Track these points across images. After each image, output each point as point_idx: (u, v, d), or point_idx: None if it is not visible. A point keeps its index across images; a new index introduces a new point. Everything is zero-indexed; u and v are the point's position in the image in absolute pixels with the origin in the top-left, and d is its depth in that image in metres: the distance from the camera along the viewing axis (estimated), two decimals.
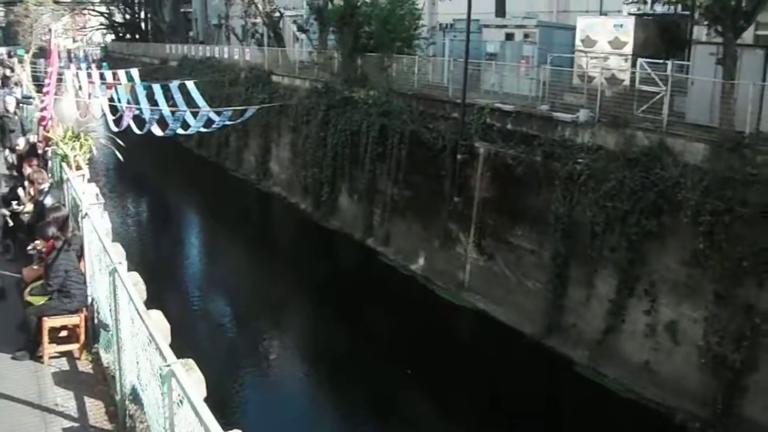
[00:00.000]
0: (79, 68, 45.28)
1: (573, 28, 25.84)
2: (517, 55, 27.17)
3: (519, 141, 22.58)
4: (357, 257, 29.03)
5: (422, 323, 23.06)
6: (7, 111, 21.70)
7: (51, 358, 9.12)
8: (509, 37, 28.05)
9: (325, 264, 28.76)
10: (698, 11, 20.29)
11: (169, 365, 5.15)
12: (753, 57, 18.70)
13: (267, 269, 29.22)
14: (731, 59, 18.22)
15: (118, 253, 8.27)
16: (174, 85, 34.09)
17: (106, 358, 8.72)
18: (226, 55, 52.80)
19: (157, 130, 30.54)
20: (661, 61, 20.98)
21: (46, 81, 16.58)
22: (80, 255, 9.39)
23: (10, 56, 75.39)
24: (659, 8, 25.08)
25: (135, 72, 33.98)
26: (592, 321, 19.77)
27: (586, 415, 17.85)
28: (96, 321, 9.06)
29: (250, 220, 37.22)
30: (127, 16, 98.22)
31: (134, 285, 7.44)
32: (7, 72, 41.13)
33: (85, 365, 9.09)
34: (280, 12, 47.11)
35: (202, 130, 31.50)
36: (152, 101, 33.10)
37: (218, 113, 30.16)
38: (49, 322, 8.91)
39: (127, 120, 29.17)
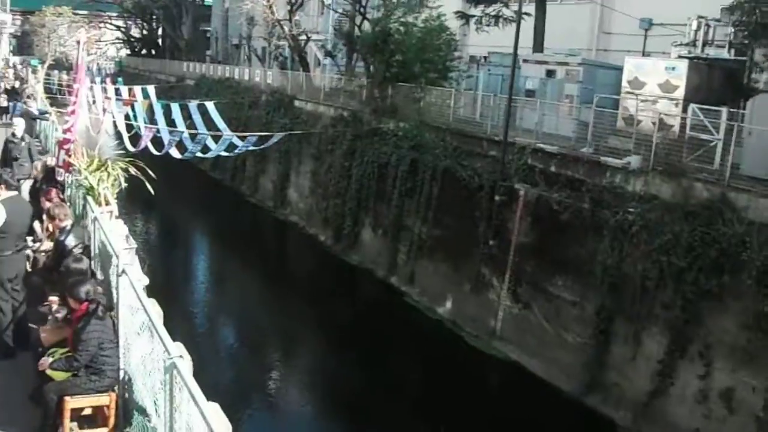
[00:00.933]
0: (93, 82, 44.46)
1: (617, 68, 24.76)
2: (558, 93, 25.99)
3: (564, 185, 21.29)
4: (378, 295, 27.67)
5: (449, 372, 21.56)
6: (14, 135, 19.04)
7: None
8: (550, 73, 26.90)
9: (345, 300, 27.48)
10: (758, 56, 19.20)
11: None
12: None
13: (282, 302, 27.80)
14: None
15: (157, 313, 6.90)
16: (193, 105, 32.97)
17: None
18: (246, 77, 51.72)
19: (175, 153, 29.35)
20: (714, 107, 19.75)
21: (72, 99, 14.67)
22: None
23: (23, 66, 74.70)
24: (713, 52, 23.84)
25: (151, 89, 32.80)
26: (638, 381, 18.38)
27: None
28: (127, 397, 7.44)
29: (265, 250, 35.74)
30: (145, 32, 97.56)
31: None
32: (17, 84, 39.03)
33: None
34: (307, 35, 45.97)
35: (223, 153, 30.31)
36: (169, 120, 31.99)
37: (242, 138, 28.93)
38: (72, 403, 7.31)
39: (146, 141, 27.95)
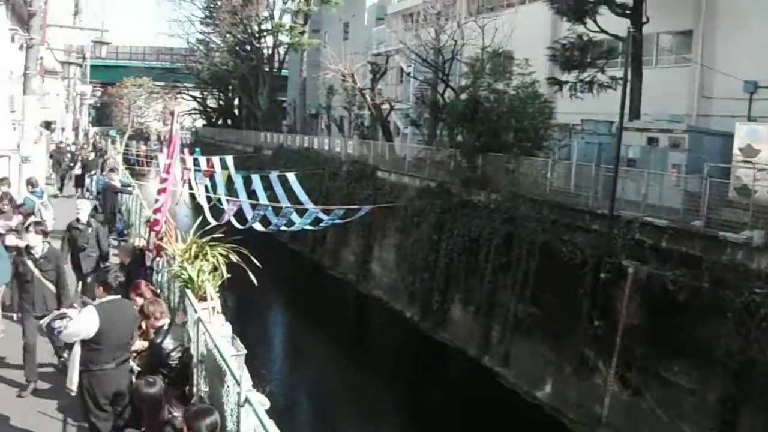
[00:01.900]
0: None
1: (725, 135, 23.25)
2: (661, 162, 24.49)
3: (677, 262, 19.68)
4: (470, 376, 26.17)
5: None
6: (78, 221, 15.54)
7: None
8: (651, 141, 25.45)
9: (434, 381, 25.97)
10: None
11: None
12: None
13: (365, 380, 26.63)
14: None
15: None
16: (274, 176, 32.40)
17: None
18: (325, 146, 51.22)
19: (258, 226, 28.65)
20: None
21: (163, 175, 13.40)
22: None
23: (102, 137, 76.02)
24: None
25: (230, 159, 32.45)
26: None
27: None
28: None
29: (348, 325, 34.42)
30: (221, 102, 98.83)
31: None
32: (92, 156, 38.30)
33: None
34: (390, 104, 45.31)
35: (308, 227, 29.47)
36: (249, 191, 31.36)
37: (327, 212, 28.10)
38: None
39: (229, 215, 27.28)
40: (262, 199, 30.16)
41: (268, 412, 5.99)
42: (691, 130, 25.00)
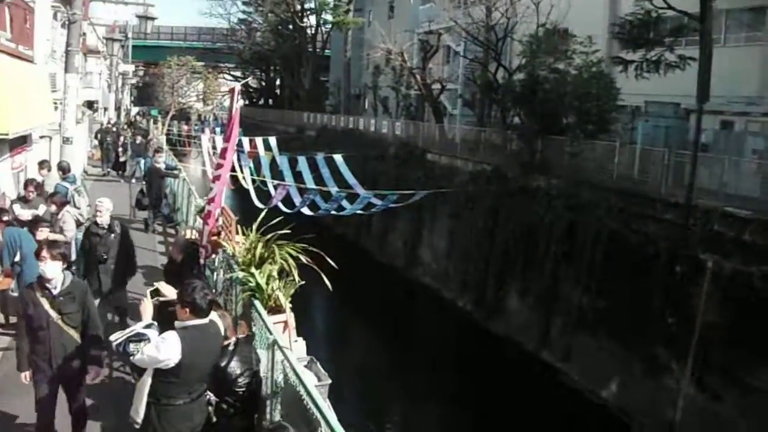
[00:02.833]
0: (213, 132, 43.28)
1: None
2: (737, 146, 22.84)
3: (763, 257, 18.09)
4: (527, 371, 24.67)
5: None
6: (97, 224, 12.08)
7: None
8: (725, 125, 23.78)
9: (489, 376, 24.56)
10: None
11: None
12: None
13: (414, 372, 25.53)
14: None
15: None
16: (320, 158, 31.10)
17: None
18: (371, 127, 49.81)
19: (307, 212, 27.42)
20: None
21: (218, 161, 11.36)
22: None
23: (143, 116, 75.46)
24: None
25: (273, 140, 31.26)
26: None
27: None
28: None
29: (396, 313, 32.78)
30: (263, 82, 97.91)
31: None
32: (138, 138, 36.80)
33: None
34: (442, 84, 43.72)
35: (359, 212, 28.17)
36: (295, 173, 30.12)
37: (380, 197, 26.74)
38: None
39: (277, 200, 26.04)
40: (309, 181, 28.92)
41: None
42: None
